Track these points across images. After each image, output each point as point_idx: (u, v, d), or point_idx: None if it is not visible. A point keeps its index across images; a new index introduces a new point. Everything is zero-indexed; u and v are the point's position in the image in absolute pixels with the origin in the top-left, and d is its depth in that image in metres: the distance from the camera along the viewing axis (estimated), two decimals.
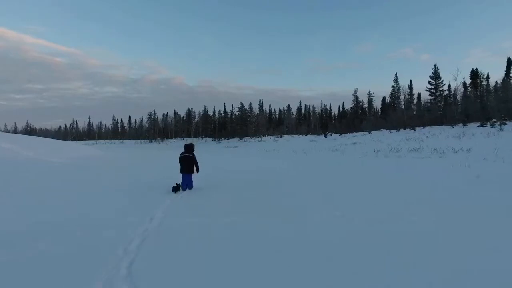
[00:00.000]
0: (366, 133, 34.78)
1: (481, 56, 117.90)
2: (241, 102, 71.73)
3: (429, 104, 48.24)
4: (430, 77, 49.10)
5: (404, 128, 34.70)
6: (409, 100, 57.95)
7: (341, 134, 39.45)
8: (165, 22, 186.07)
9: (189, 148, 7.69)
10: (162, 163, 15.46)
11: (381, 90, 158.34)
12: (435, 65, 49.18)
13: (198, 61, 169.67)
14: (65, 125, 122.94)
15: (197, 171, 7.61)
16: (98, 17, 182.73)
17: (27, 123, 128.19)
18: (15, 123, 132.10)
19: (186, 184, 7.36)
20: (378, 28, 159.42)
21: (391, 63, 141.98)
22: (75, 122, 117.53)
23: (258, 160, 17.35)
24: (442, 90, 49.68)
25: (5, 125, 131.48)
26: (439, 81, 48.85)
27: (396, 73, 65.80)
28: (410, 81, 60.03)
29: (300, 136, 51.30)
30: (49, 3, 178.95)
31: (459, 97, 47.00)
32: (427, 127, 32.34)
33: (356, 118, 69.64)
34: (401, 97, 64.73)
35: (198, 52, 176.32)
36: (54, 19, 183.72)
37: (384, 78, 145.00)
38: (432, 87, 49.13)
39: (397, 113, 45.67)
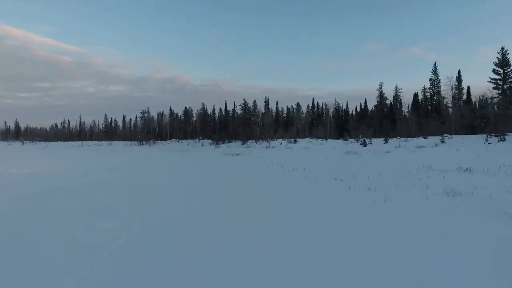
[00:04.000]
0: (438, 142, 22.80)
1: (489, 56, 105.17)
2: (244, 99, 60.14)
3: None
4: (495, 64, 36.80)
5: (493, 135, 22.95)
6: (457, 96, 45.84)
7: (386, 141, 27.66)
8: (171, 21, 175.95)
9: None
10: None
11: (390, 90, 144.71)
12: (502, 48, 36.66)
13: (203, 60, 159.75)
14: (55, 124, 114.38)
15: None
16: (103, 16, 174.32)
17: (16, 122, 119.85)
18: (5, 121, 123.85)
19: None
20: (384, 27, 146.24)
21: (398, 62, 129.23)
22: (66, 122, 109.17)
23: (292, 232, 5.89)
24: None
25: None
26: (508, 69, 36.55)
27: (435, 63, 53.79)
28: (459, 71, 46.94)
29: (321, 141, 39.53)
30: (56, 2, 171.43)
31: None
32: None
33: (384, 119, 57.78)
34: (443, 91, 52.74)
35: (203, 51, 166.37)
36: (61, 18, 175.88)
37: (391, 78, 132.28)
38: (499, 77, 36.76)
39: (458, 112, 33.63)
